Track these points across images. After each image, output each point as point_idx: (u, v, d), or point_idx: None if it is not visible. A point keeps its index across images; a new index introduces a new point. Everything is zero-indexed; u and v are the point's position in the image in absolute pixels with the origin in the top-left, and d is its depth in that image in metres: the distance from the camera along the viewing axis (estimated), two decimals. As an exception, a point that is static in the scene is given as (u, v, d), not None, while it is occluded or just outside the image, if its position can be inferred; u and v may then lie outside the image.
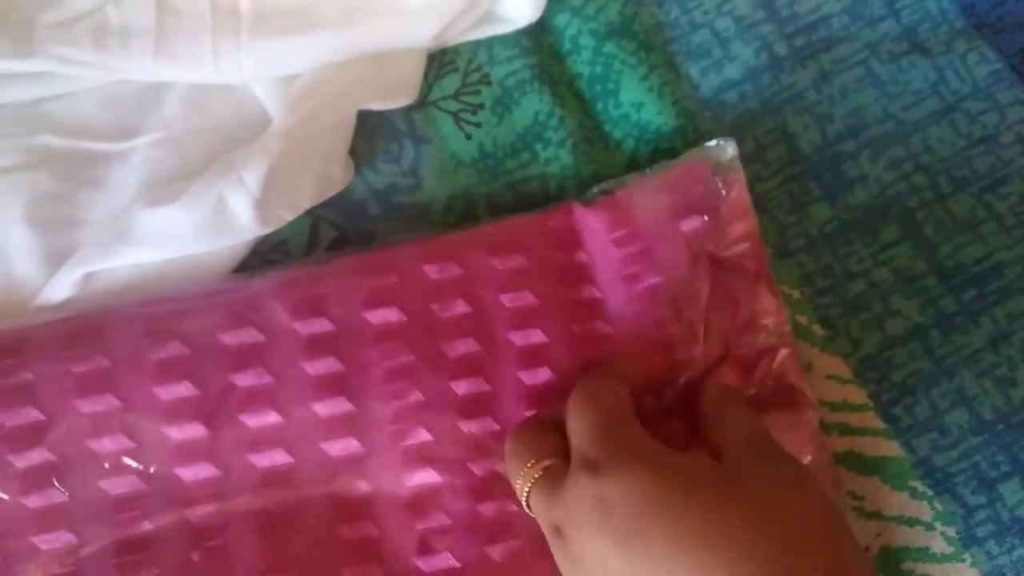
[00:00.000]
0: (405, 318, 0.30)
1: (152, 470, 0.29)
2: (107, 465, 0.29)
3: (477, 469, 0.30)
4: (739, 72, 0.35)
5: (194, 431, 0.29)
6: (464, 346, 0.30)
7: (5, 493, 0.28)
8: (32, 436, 0.28)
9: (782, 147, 0.34)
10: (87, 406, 0.29)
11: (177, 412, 0.29)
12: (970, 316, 0.32)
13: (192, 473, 0.29)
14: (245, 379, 0.29)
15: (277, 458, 0.29)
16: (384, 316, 0.30)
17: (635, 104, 0.34)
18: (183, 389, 0.29)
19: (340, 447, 0.29)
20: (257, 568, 0.29)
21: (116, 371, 0.29)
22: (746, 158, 0.34)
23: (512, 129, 0.34)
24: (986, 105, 0.34)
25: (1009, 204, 0.33)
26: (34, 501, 0.28)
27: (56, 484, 0.28)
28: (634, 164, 0.35)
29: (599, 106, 0.35)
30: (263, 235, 0.32)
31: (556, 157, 0.34)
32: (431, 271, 0.31)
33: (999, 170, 0.33)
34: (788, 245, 0.33)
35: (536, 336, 0.31)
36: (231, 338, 0.30)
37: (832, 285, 0.33)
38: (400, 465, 0.30)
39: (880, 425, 0.31)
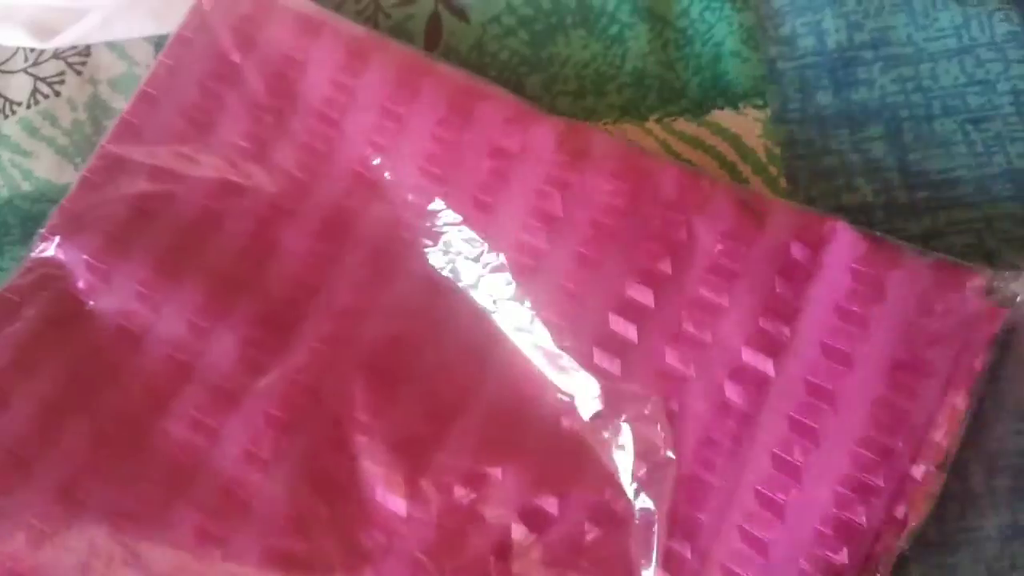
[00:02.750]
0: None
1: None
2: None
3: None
4: (798, -31, 0.40)
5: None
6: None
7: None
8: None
9: (811, 39, 0.39)
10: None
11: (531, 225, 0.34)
12: (916, 210, 0.36)
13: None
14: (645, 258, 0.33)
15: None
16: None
17: (702, -35, 0.40)
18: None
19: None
20: None
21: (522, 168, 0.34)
22: (779, 39, 0.39)
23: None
24: (995, 56, 0.38)
25: (984, 137, 0.37)
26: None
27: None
28: (685, 14, 0.40)
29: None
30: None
31: (621, -12, 0.40)
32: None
33: (987, 110, 0.37)
34: (787, 116, 0.38)
35: (724, 296, 0.31)
36: (660, 223, 0.33)
37: (809, 153, 0.38)
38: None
39: (805, 267, 0.36)
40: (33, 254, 0.36)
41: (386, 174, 0.35)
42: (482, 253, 0.34)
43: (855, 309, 0.30)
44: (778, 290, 0.31)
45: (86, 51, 0.42)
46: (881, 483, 0.29)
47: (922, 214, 0.36)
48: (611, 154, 0.34)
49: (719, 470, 0.30)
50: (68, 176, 0.40)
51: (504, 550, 0.30)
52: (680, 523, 0.30)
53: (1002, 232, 0.35)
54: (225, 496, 0.31)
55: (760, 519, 0.30)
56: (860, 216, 0.36)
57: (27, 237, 0.40)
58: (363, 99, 0.36)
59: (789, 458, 0.30)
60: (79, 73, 0.42)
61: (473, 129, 0.35)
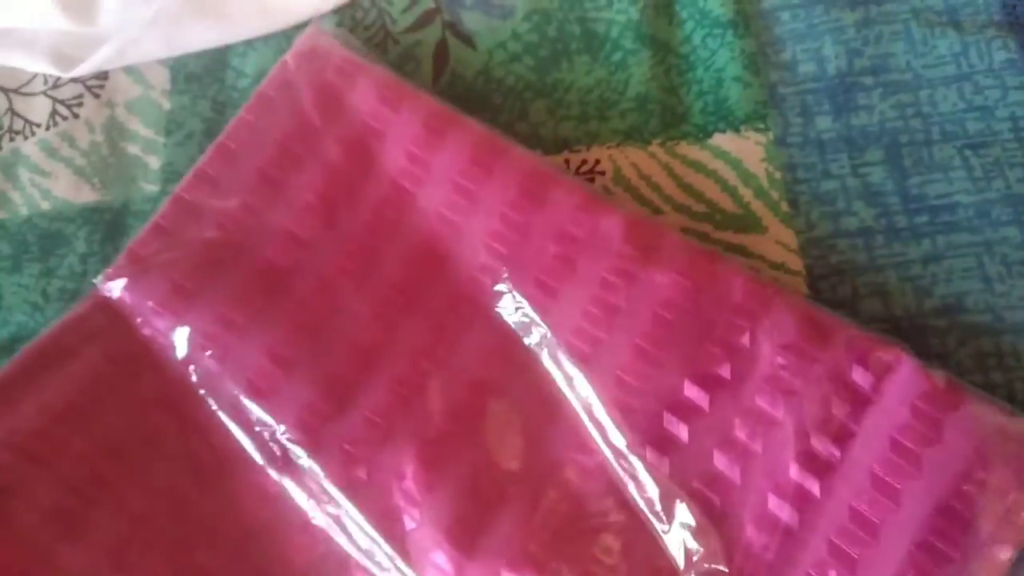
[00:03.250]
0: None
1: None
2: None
3: None
4: (799, -2, 0.41)
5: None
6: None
7: None
8: None
9: (812, 65, 0.40)
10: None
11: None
12: (914, 234, 0.37)
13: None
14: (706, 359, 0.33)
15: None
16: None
17: (705, -6, 0.41)
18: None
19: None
20: None
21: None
22: (780, 64, 0.40)
23: (600, -22, 0.41)
24: (994, 83, 0.39)
25: (983, 162, 0.37)
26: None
27: None
28: (687, 41, 0.41)
29: (677, -12, 0.42)
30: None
31: (625, 11, 0.41)
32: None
33: (985, 135, 0.38)
34: (788, 139, 0.39)
35: (779, 409, 0.31)
36: (723, 328, 0.32)
37: (810, 178, 0.38)
38: None
39: (804, 291, 0.36)
40: (99, 291, 0.36)
41: (453, 248, 0.36)
42: (543, 336, 0.34)
43: (911, 446, 0.30)
44: (834, 411, 0.31)
45: (104, 74, 0.44)
46: None
47: (922, 238, 0.37)
48: (680, 251, 0.34)
49: None
50: (85, 196, 0.42)
51: None
52: None
53: (1001, 256, 0.36)
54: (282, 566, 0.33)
55: None
56: (860, 240, 0.37)
57: (45, 255, 0.41)
58: (437, 173, 0.36)
59: None
60: (97, 96, 0.43)
61: (543, 213, 0.35)
